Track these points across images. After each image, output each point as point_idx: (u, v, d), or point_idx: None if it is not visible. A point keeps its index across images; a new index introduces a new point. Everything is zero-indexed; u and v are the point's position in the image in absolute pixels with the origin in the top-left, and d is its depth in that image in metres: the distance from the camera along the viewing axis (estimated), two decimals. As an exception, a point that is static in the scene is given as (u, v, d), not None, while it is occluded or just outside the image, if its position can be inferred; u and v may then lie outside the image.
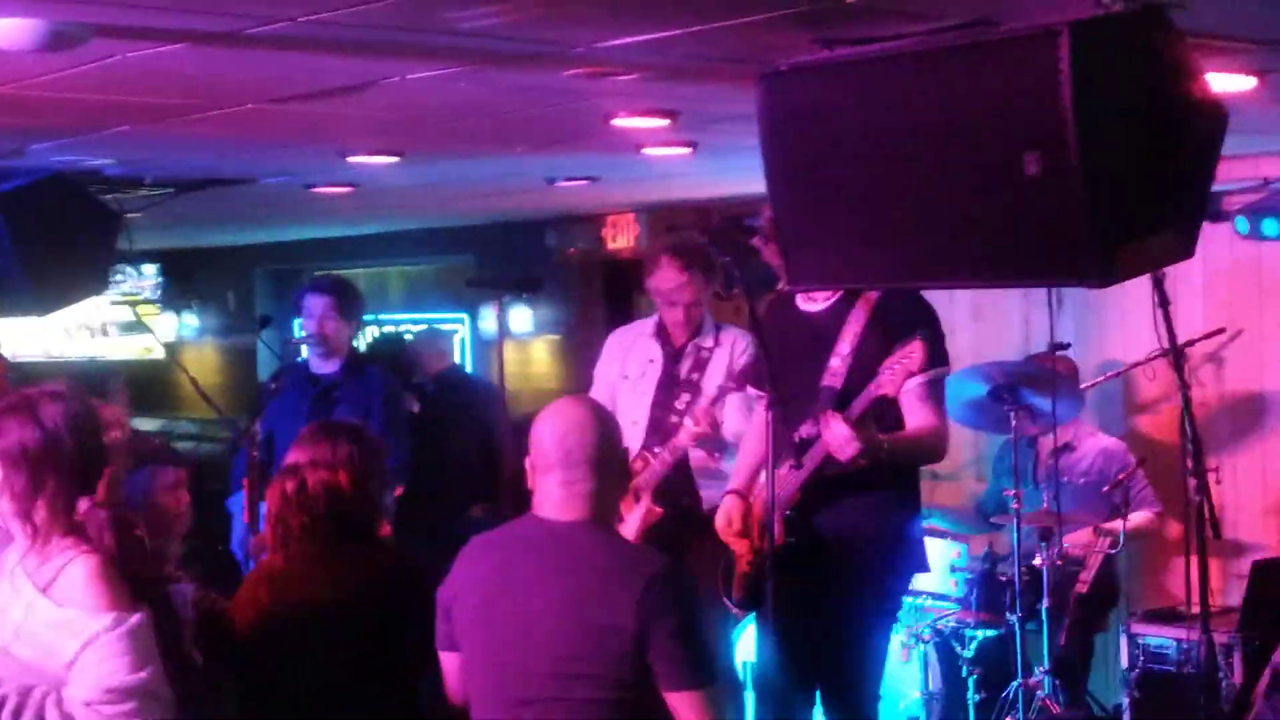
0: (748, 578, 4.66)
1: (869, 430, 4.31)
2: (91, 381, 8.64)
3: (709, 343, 5.53)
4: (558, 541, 3.39)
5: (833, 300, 4.60)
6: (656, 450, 5.33)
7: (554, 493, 3.41)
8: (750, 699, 4.67)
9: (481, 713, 3.44)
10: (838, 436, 4.29)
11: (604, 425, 3.48)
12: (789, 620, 4.39)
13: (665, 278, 5.51)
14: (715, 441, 5.29)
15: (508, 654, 3.35)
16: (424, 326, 10.49)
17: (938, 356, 4.45)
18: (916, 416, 4.46)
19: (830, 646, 4.55)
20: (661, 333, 5.63)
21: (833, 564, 4.52)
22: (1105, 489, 6.24)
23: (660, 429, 5.40)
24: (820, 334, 4.57)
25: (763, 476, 4.59)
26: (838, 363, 4.51)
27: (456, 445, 7.71)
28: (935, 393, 4.52)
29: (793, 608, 4.40)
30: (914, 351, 4.22)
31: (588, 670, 3.28)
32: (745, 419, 5.24)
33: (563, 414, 3.47)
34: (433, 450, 7.10)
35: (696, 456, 5.37)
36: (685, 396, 5.42)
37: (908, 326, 4.38)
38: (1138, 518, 6.23)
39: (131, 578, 3.06)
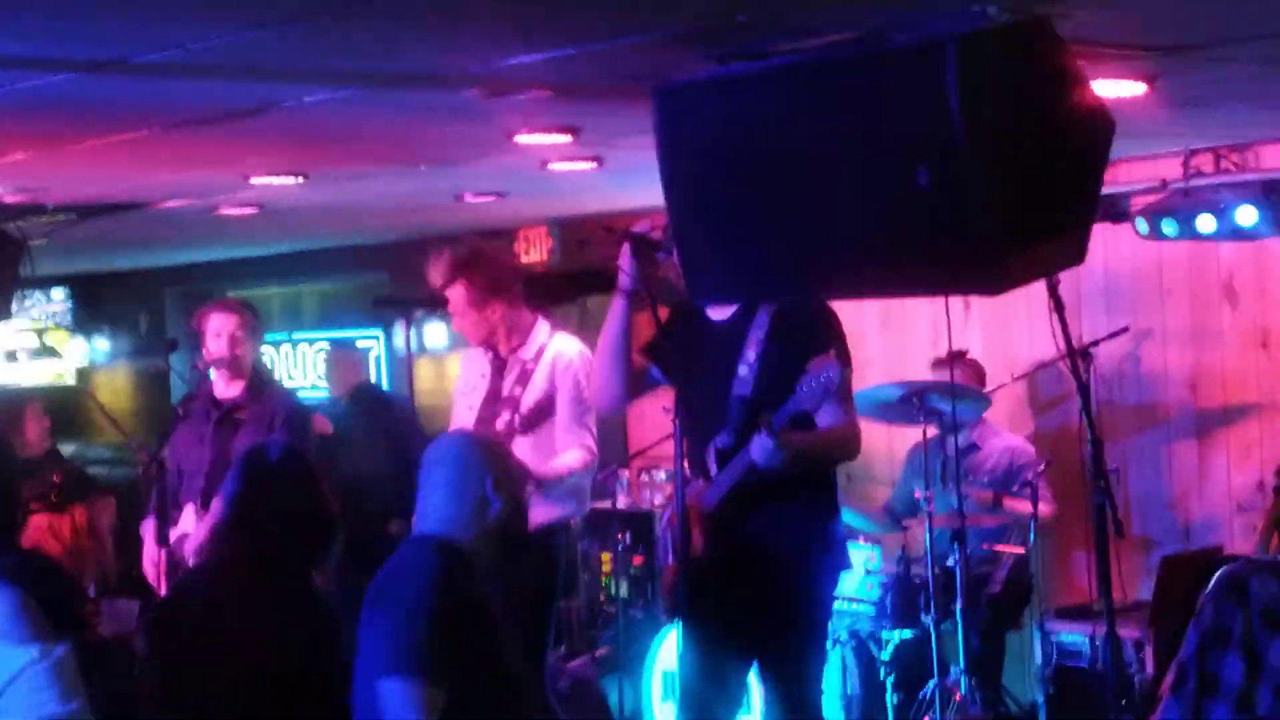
0: (674, 589, 4.66)
1: (788, 437, 4.34)
2: (7, 408, 8.52)
3: (530, 355, 5.43)
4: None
5: (736, 309, 4.61)
6: None
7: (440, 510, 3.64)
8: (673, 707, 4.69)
9: None
10: (764, 450, 4.31)
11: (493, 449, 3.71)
12: (717, 628, 4.41)
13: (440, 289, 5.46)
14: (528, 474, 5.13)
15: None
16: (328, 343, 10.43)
17: (843, 358, 4.49)
18: (827, 417, 4.50)
19: (769, 652, 4.57)
20: (489, 348, 5.53)
21: (761, 571, 4.54)
22: (1015, 488, 6.31)
23: None
24: (726, 342, 4.58)
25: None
26: (745, 370, 4.52)
27: (371, 462, 7.67)
28: (842, 394, 4.55)
29: (721, 616, 4.42)
30: (829, 369, 4.25)
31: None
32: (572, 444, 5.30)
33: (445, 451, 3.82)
34: (347, 467, 7.05)
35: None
36: (506, 414, 5.34)
37: (813, 334, 4.41)
38: (1041, 508, 6.31)
39: (53, 611, 3.03)
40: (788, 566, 4.53)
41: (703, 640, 4.49)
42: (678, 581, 4.56)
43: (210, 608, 3.72)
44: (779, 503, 4.52)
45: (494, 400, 5.42)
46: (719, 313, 4.67)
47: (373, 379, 9.92)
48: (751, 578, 4.53)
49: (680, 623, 4.66)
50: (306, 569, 3.81)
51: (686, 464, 4.60)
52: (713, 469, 4.51)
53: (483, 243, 6.40)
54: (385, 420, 8.01)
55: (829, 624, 4.88)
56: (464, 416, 5.49)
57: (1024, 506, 6.12)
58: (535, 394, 5.34)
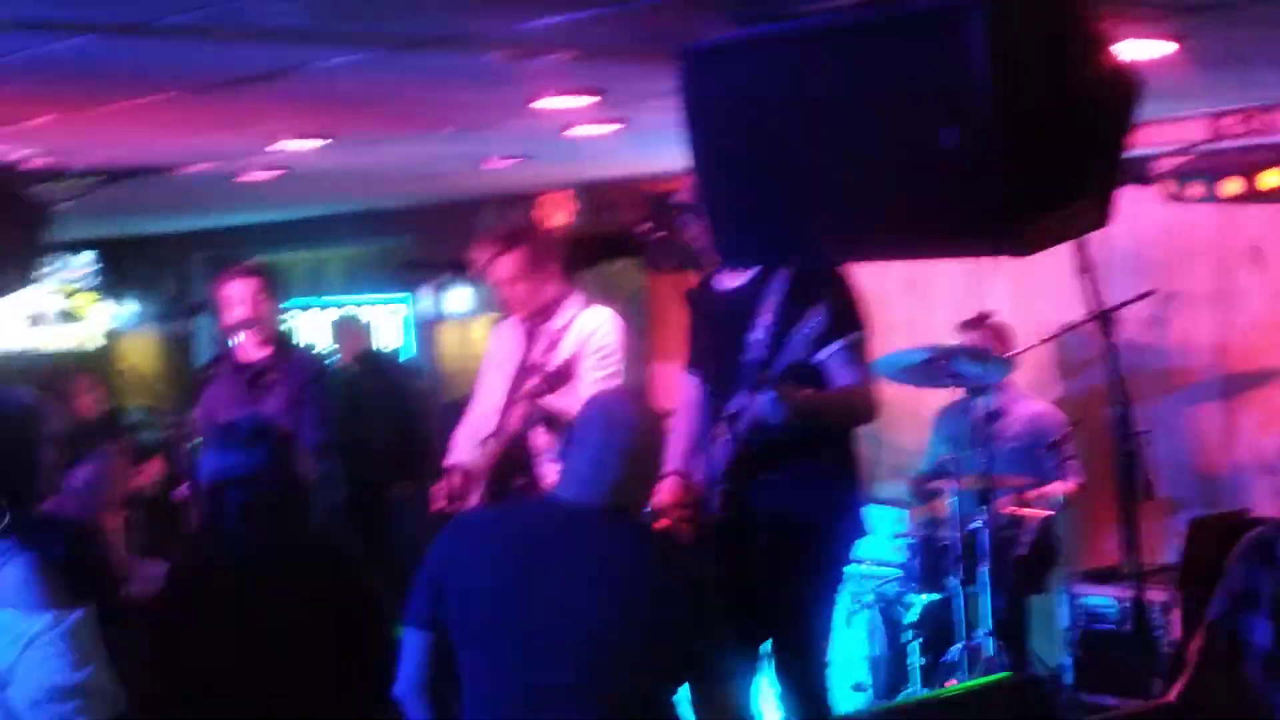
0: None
1: (790, 388, 4.33)
2: (60, 378, 8.62)
3: (560, 325, 5.43)
4: (589, 528, 3.31)
5: (751, 275, 4.60)
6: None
7: (582, 473, 3.35)
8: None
9: (489, 698, 3.28)
10: (765, 404, 4.31)
11: (644, 421, 3.49)
12: (730, 591, 4.41)
13: (477, 260, 5.47)
14: (561, 422, 5.12)
15: (531, 643, 3.23)
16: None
17: (849, 321, 4.47)
18: (839, 379, 4.49)
19: (778, 618, 4.57)
20: (525, 320, 5.55)
21: (775, 537, 4.54)
22: (1040, 450, 6.30)
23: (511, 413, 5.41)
24: (740, 310, 4.57)
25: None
26: (759, 335, 4.52)
27: (374, 427, 7.72)
28: (854, 356, 4.52)
29: (736, 580, 4.42)
30: (816, 317, 4.25)
31: (617, 664, 3.22)
32: None
33: (608, 402, 3.58)
34: (351, 432, 7.08)
35: (545, 438, 5.34)
36: (533, 380, 5.35)
37: (815, 295, 4.40)
38: (1059, 487, 6.31)
39: (74, 574, 3.04)
40: (802, 529, 4.52)
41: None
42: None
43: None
44: (794, 466, 4.51)
45: (524, 370, 5.45)
46: (732, 280, 4.66)
47: (374, 346, 9.97)
48: (765, 541, 4.53)
49: None
50: None
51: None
52: (725, 432, 4.51)
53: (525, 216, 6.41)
54: (389, 386, 8.07)
55: (839, 590, 4.88)
56: (498, 387, 5.52)
57: (1051, 490, 6.12)
58: (559, 359, 5.35)
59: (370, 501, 5.59)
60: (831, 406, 4.49)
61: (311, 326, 11.42)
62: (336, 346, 8.94)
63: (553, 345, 5.41)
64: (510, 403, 5.40)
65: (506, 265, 5.38)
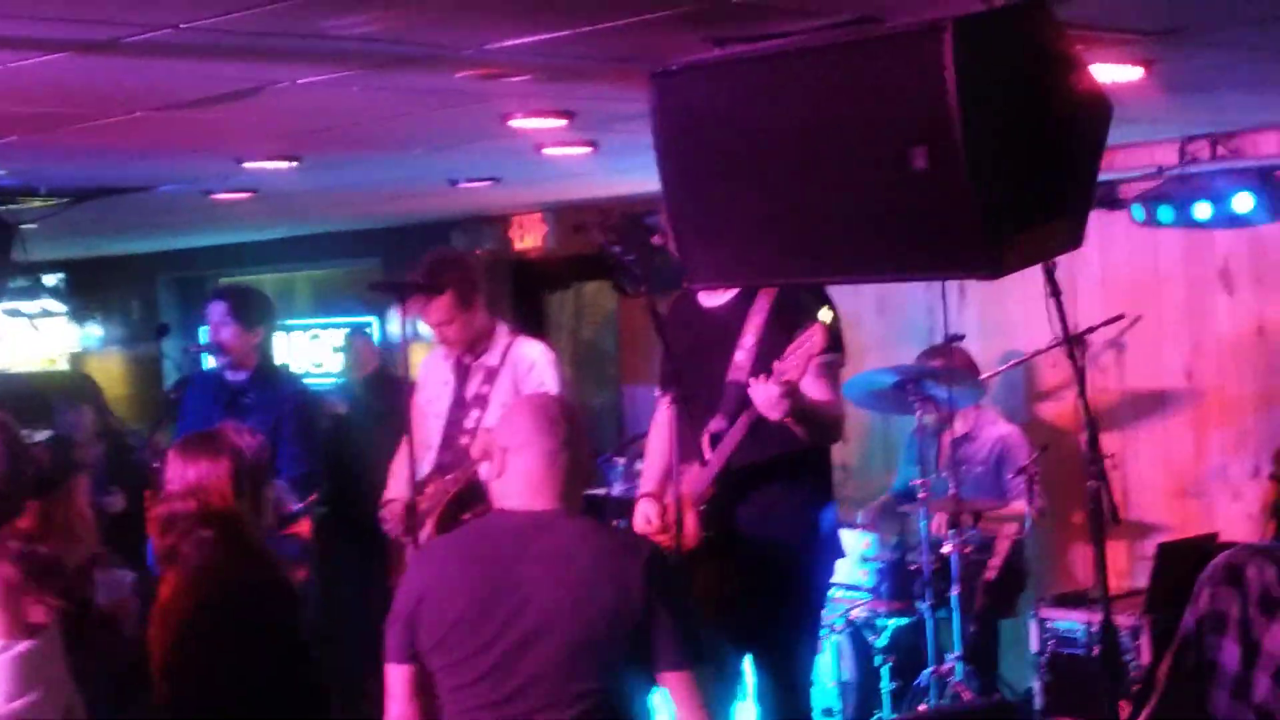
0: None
1: (794, 389, 4.32)
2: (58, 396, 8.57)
3: (495, 360, 5.40)
4: (540, 532, 3.32)
5: (733, 295, 4.60)
6: (449, 474, 5.27)
7: (527, 473, 3.35)
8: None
9: (467, 711, 3.30)
10: (768, 396, 4.28)
11: (571, 416, 3.47)
12: (712, 614, 4.40)
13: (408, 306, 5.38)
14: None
15: (507, 653, 3.25)
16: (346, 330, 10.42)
17: (834, 342, 4.48)
18: (814, 392, 4.49)
19: (758, 639, 4.57)
20: (453, 355, 5.51)
21: (754, 558, 4.53)
22: (1009, 476, 6.31)
23: (452, 448, 5.34)
24: (723, 330, 4.58)
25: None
26: (742, 356, 4.52)
27: (384, 446, 7.67)
28: (831, 374, 4.55)
29: (716, 601, 4.42)
30: (814, 334, 4.25)
31: (590, 660, 3.23)
32: None
33: (532, 405, 3.57)
34: (360, 452, 7.04)
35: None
36: (475, 413, 5.32)
37: (806, 314, 4.40)
38: (1019, 506, 6.31)
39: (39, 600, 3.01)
40: (781, 552, 4.53)
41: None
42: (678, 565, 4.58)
43: None
44: (772, 488, 4.52)
45: (459, 405, 5.41)
46: (714, 300, 4.66)
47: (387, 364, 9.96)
48: (745, 563, 4.52)
49: None
50: None
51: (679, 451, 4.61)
52: (707, 453, 4.49)
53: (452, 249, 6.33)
54: (397, 406, 8.02)
55: (822, 612, 4.87)
56: (432, 425, 5.47)
57: (1011, 509, 6.15)
58: (502, 394, 5.31)
59: (378, 523, 5.54)
60: (816, 414, 4.49)
61: (281, 348, 11.38)
62: (349, 362, 8.82)
63: (490, 379, 5.38)
64: (448, 437, 5.35)
65: (436, 309, 5.32)
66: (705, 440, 4.51)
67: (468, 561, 3.36)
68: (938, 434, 6.22)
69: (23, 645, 2.88)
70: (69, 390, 8.28)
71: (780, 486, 4.53)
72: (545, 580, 3.26)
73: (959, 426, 6.33)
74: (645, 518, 4.70)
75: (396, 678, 3.40)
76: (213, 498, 3.72)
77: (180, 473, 3.76)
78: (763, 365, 4.44)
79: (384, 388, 8.28)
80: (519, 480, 3.36)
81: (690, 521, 4.48)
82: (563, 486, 3.36)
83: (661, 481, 4.75)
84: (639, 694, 3.32)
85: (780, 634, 4.56)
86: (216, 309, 5.82)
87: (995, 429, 6.61)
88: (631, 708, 3.31)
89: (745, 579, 4.52)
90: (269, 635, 3.70)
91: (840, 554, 4.80)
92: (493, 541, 3.37)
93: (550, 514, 3.34)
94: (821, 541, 4.64)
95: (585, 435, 3.48)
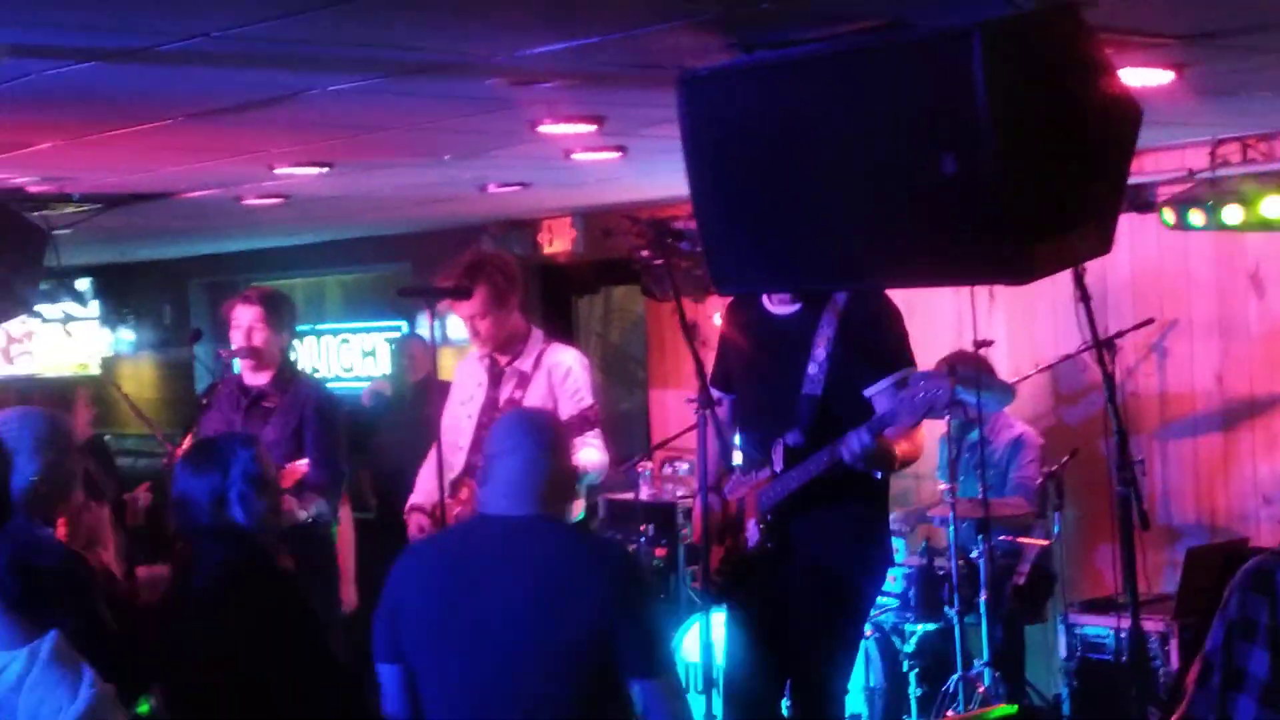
0: (721, 575, 4.70)
1: (885, 442, 4.39)
2: (57, 395, 8.58)
3: (528, 365, 5.43)
4: (515, 537, 3.39)
5: (800, 305, 4.62)
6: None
7: (509, 479, 3.41)
8: (717, 700, 4.73)
9: (446, 711, 3.38)
10: (861, 446, 4.30)
11: (555, 431, 3.57)
12: (761, 619, 4.46)
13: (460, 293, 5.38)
14: None
15: (475, 655, 3.31)
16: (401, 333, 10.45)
17: (900, 356, 4.54)
18: (904, 443, 4.51)
19: (803, 645, 4.59)
20: (488, 357, 5.54)
21: (807, 569, 4.56)
22: (1039, 482, 6.30)
23: (483, 451, 5.36)
24: (793, 339, 4.59)
25: (734, 477, 4.69)
26: (815, 370, 4.55)
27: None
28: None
29: (768, 606, 4.49)
30: (941, 388, 4.25)
31: (556, 666, 3.28)
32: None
33: (518, 419, 3.68)
34: (411, 457, 7.05)
35: None
36: None
37: (875, 328, 4.48)
38: (1014, 503, 6.30)
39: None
40: (837, 562, 4.56)
41: (747, 628, 4.57)
42: (729, 574, 4.61)
43: None
44: (836, 504, 4.55)
45: (492, 408, 5.43)
46: (781, 307, 4.67)
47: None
48: (798, 572, 4.56)
49: (726, 609, 4.70)
50: None
51: (740, 456, 4.65)
52: (778, 465, 4.54)
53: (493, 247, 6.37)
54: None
55: (864, 621, 4.90)
56: (464, 425, 5.50)
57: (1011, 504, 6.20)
58: (535, 399, 5.36)
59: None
60: (901, 462, 4.54)
61: (310, 353, 11.44)
62: (400, 365, 8.81)
63: (523, 384, 5.40)
64: (479, 440, 5.35)
65: (471, 303, 5.35)
66: (779, 451, 4.54)
67: (444, 564, 3.45)
68: (959, 440, 6.22)
69: (50, 638, 2.85)
70: (55, 398, 8.25)
71: (841, 498, 4.55)
72: (515, 584, 3.33)
73: (984, 430, 6.31)
74: (706, 515, 4.71)
75: (387, 677, 3.47)
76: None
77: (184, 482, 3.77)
78: (836, 380, 4.49)
79: (432, 393, 8.30)
80: (500, 486, 3.44)
81: (750, 529, 4.54)
82: (542, 493, 3.42)
83: (718, 478, 4.77)
84: (608, 700, 3.36)
85: (824, 642, 4.58)
86: (248, 313, 5.80)
87: (1010, 431, 6.60)
88: (600, 713, 3.35)
89: (797, 588, 4.55)
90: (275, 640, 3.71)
91: (893, 563, 4.85)
92: (470, 545, 3.46)
93: (528, 519, 3.41)
94: (876, 551, 4.69)
95: (568, 448, 3.59)
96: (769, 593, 4.53)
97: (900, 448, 4.47)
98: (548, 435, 3.49)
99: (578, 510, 5.55)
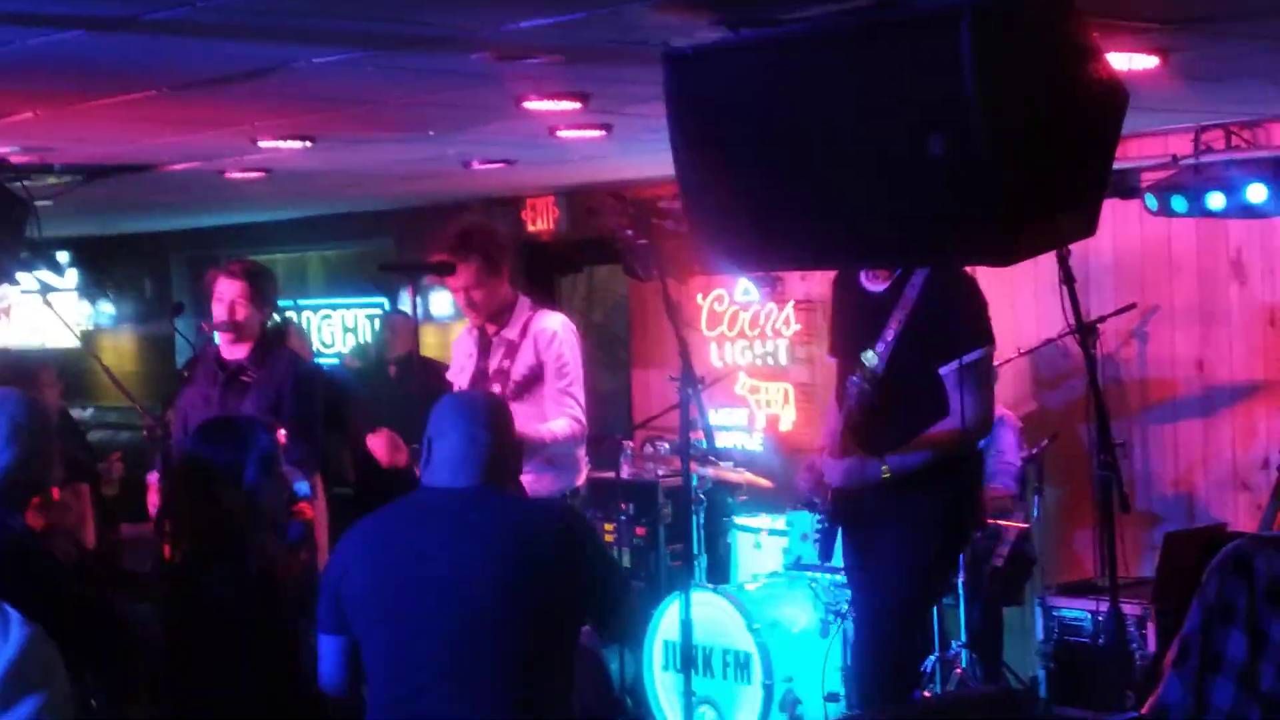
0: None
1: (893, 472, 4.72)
2: (20, 371, 8.49)
3: (515, 334, 5.47)
4: (460, 505, 3.42)
5: (888, 283, 4.74)
6: None
7: (450, 457, 3.44)
8: (695, 678, 4.92)
9: (389, 688, 3.40)
10: (871, 473, 4.76)
11: (496, 406, 3.66)
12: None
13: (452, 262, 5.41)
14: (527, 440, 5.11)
15: (421, 623, 3.34)
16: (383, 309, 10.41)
17: (976, 334, 4.66)
18: (954, 399, 4.63)
19: (879, 586, 4.86)
20: (477, 328, 5.58)
21: (900, 517, 4.76)
22: (1018, 465, 6.31)
23: None
24: (873, 316, 4.74)
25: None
26: (882, 349, 4.70)
27: (415, 429, 7.65)
28: (975, 374, 4.69)
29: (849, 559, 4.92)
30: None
31: (509, 627, 3.32)
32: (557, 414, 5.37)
33: (460, 394, 3.85)
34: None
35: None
36: (496, 387, 5.36)
37: (944, 304, 4.61)
38: (994, 486, 6.33)
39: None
40: (922, 518, 4.77)
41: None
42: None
43: None
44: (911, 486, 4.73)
45: (481, 378, 5.46)
46: (873, 284, 4.81)
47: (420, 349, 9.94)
48: (875, 541, 4.84)
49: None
50: None
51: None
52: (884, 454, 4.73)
53: (482, 217, 6.40)
54: (429, 389, 8.00)
55: (944, 579, 5.29)
56: None
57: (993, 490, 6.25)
58: (523, 367, 5.40)
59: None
60: (926, 459, 4.71)
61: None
62: (384, 340, 8.77)
63: (511, 353, 5.41)
64: None
65: (463, 274, 5.37)
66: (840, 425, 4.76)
67: (388, 535, 3.48)
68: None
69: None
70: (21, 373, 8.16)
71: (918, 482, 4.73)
72: (464, 550, 3.36)
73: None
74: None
75: (329, 647, 3.50)
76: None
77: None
78: (895, 364, 4.64)
79: (416, 369, 8.27)
80: (443, 462, 3.47)
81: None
82: (485, 465, 3.45)
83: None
84: (564, 649, 3.44)
85: (901, 584, 4.85)
86: (232, 287, 5.76)
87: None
88: (552, 666, 3.41)
89: (874, 554, 4.81)
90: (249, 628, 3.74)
91: (981, 525, 5.22)
92: (414, 516, 3.49)
93: (471, 490, 3.44)
94: (966, 508, 4.90)
95: (510, 425, 3.62)
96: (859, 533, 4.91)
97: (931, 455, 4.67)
98: (484, 413, 3.52)
99: (581, 478, 5.59)
